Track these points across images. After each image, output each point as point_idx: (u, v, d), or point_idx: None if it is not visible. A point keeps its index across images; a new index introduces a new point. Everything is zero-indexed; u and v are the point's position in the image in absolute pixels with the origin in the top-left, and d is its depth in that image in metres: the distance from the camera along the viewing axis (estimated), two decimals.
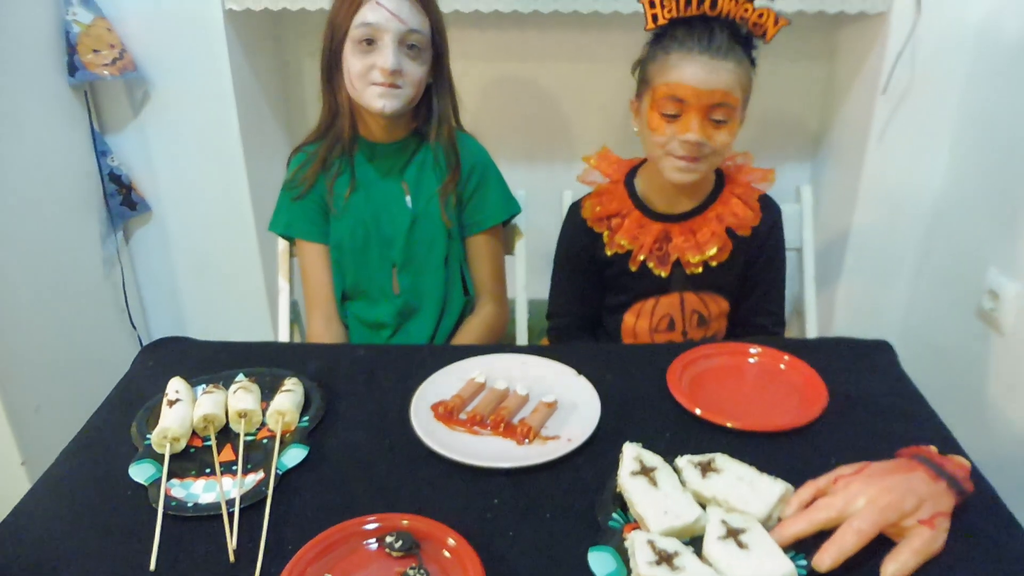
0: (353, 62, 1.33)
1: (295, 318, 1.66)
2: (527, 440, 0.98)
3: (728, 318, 1.43)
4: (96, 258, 1.99)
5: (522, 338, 1.61)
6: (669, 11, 1.23)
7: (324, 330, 1.51)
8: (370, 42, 1.31)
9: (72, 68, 1.79)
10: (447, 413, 1.02)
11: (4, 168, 1.64)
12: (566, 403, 1.05)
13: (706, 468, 0.89)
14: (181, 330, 2.20)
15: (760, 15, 1.22)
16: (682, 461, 0.91)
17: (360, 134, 1.45)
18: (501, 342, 1.57)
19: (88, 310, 1.96)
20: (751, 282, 1.40)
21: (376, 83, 1.32)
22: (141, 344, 2.14)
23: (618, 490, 0.89)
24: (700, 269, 1.36)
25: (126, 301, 2.11)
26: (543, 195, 1.65)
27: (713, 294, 1.40)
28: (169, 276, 2.17)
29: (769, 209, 1.38)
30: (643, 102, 1.31)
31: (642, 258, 1.37)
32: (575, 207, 1.45)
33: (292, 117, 2.22)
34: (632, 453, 0.91)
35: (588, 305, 1.48)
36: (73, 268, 1.90)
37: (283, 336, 1.61)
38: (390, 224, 1.47)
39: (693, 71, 1.21)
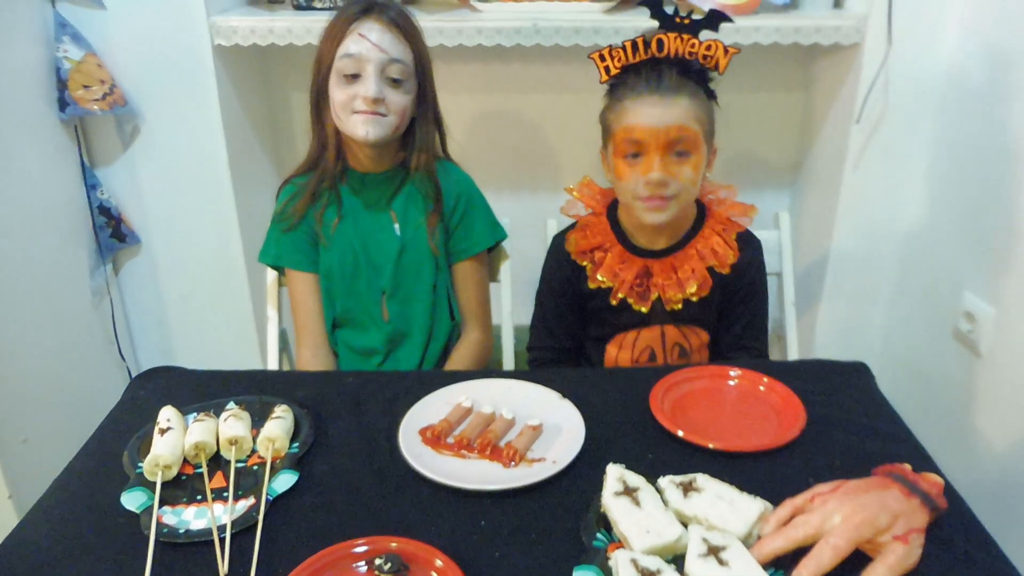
0: (337, 93, 1.37)
1: (283, 347, 1.68)
2: (513, 463, 1.00)
3: (710, 348, 1.46)
4: (85, 290, 2.00)
5: (508, 363, 1.63)
6: (619, 60, 1.28)
7: (313, 359, 1.52)
8: (354, 76, 1.35)
9: (63, 104, 1.81)
10: (435, 437, 1.04)
11: None
12: (551, 426, 1.07)
13: (687, 488, 0.92)
14: (170, 361, 2.19)
15: (708, 47, 1.26)
16: (664, 481, 0.93)
17: (350, 165, 1.48)
18: (488, 367, 1.59)
19: (77, 341, 1.97)
20: (732, 316, 1.43)
21: (359, 111, 1.36)
22: (130, 375, 2.14)
23: (602, 510, 0.91)
24: (680, 306, 1.38)
25: (115, 332, 2.11)
26: (528, 223, 1.68)
27: (693, 327, 1.43)
28: (158, 307, 2.17)
29: (749, 245, 1.41)
30: (608, 150, 1.35)
31: (622, 295, 1.39)
32: (559, 239, 1.48)
33: (280, 150, 2.25)
34: (615, 474, 0.93)
35: (568, 337, 1.50)
36: (62, 299, 1.91)
37: (272, 365, 1.63)
38: (379, 252, 1.50)
39: (646, 112, 1.25)
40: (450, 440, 1.05)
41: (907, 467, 0.90)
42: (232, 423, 1.05)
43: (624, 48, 1.27)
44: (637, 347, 1.43)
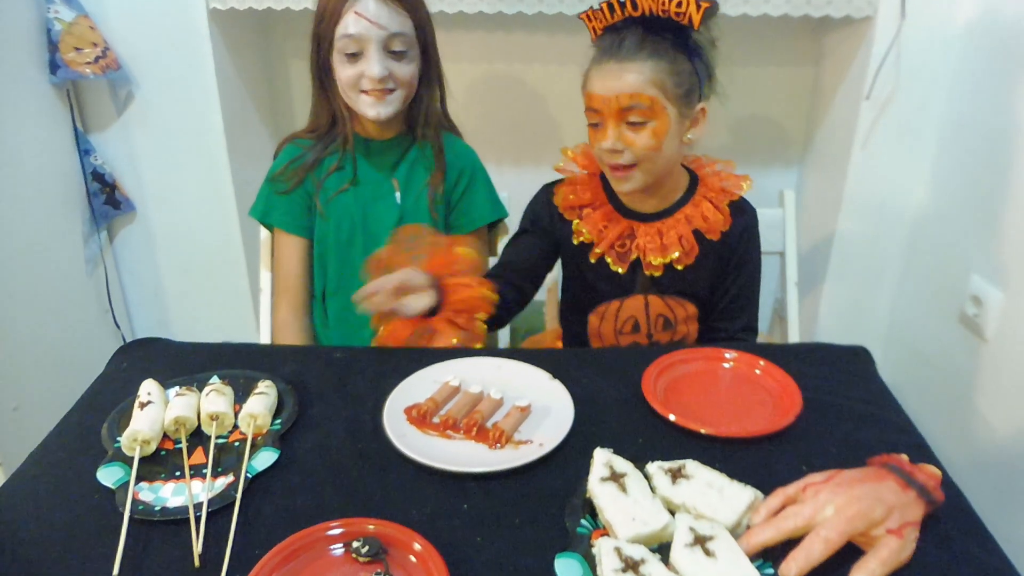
0: (341, 71, 1.36)
1: None
2: (499, 445, 0.97)
3: (700, 322, 1.42)
4: (79, 258, 1.98)
5: (504, 340, 1.60)
6: (601, 21, 1.26)
7: (291, 319, 1.51)
8: (355, 54, 1.33)
9: (54, 66, 1.78)
10: (420, 417, 1.02)
11: None
12: (539, 407, 1.04)
13: (676, 474, 0.89)
14: (165, 329, 2.21)
15: (679, 3, 1.19)
16: (652, 467, 0.91)
17: (354, 130, 1.46)
18: (483, 345, 1.56)
19: (71, 310, 1.95)
20: (722, 288, 1.39)
21: (366, 91, 1.35)
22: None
23: (588, 496, 0.88)
24: (660, 272, 1.34)
25: (110, 301, 2.10)
26: (527, 197, 1.64)
27: (679, 298, 1.39)
28: (153, 275, 2.16)
29: (742, 213, 1.37)
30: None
31: (601, 251, 1.35)
32: (548, 190, 1.43)
33: (277, 116, 2.22)
34: (603, 459, 0.91)
35: (527, 270, 1.42)
36: (56, 268, 1.89)
37: (264, 331, 1.60)
38: (377, 221, 1.47)
39: (600, 79, 1.23)
40: (436, 420, 1.02)
41: (904, 458, 0.87)
42: (214, 398, 1.02)
43: (602, 9, 1.23)
44: (620, 317, 1.40)
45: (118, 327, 2.13)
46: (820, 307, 2.04)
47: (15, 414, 1.72)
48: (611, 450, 0.92)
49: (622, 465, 0.90)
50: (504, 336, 1.61)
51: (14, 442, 1.70)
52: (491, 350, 1.23)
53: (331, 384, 1.12)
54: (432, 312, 1.19)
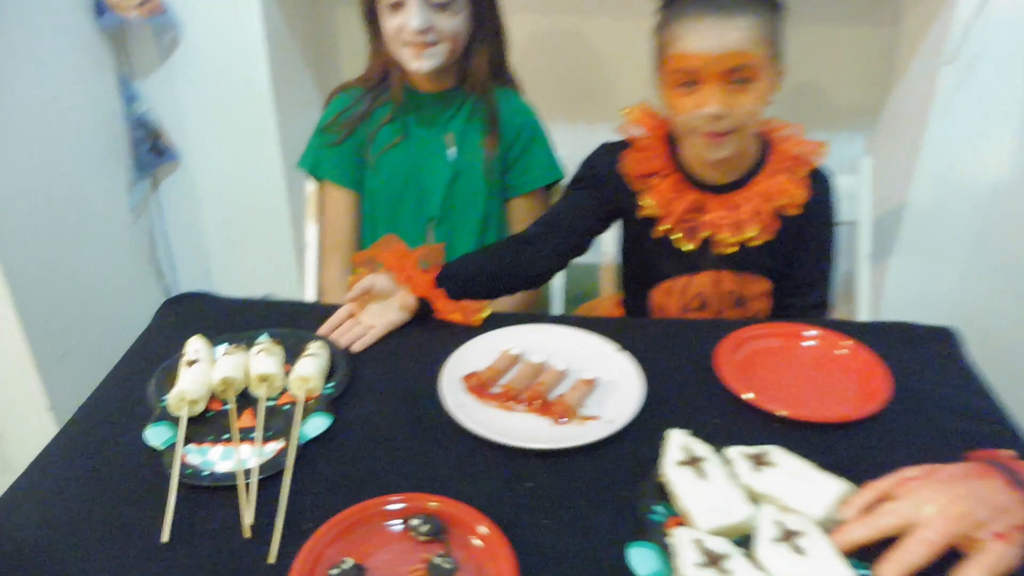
0: (384, 22, 1.31)
1: None
2: (564, 419, 0.92)
3: (772, 297, 1.34)
4: (123, 207, 1.95)
5: (557, 306, 1.54)
6: None
7: (340, 279, 1.46)
8: (397, 4, 1.28)
9: (99, 9, 1.72)
10: (479, 386, 0.96)
11: (29, 113, 1.58)
12: (605, 381, 0.98)
13: (759, 461, 0.83)
14: (208, 280, 2.18)
15: None
16: (732, 452, 0.84)
17: (405, 80, 1.39)
18: (534, 310, 1.51)
19: (115, 258, 1.92)
20: (797, 261, 1.30)
21: (408, 43, 1.29)
22: (169, 294, 2.11)
23: (660, 479, 0.82)
24: (735, 248, 1.26)
25: (154, 251, 2.07)
26: (580, 156, 1.57)
27: (753, 274, 1.30)
28: (197, 226, 2.12)
29: (820, 183, 1.28)
30: (661, 78, 1.21)
31: (666, 228, 1.27)
32: (613, 152, 1.31)
33: (324, 64, 2.15)
34: (678, 441, 0.85)
35: (576, 231, 1.31)
36: (100, 217, 1.86)
37: (309, 287, 1.56)
38: (430, 176, 1.42)
39: (698, 36, 1.10)
40: (496, 389, 0.97)
41: (1010, 454, 0.80)
42: (263, 358, 0.98)
43: None
44: (687, 294, 1.32)
45: (162, 277, 2.10)
46: (887, 282, 1.94)
47: (63, 360, 1.70)
48: (688, 432, 0.86)
49: (700, 448, 0.84)
50: (557, 301, 1.54)
51: (62, 388, 1.68)
52: (553, 317, 1.17)
53: (385, 348, 1.07)
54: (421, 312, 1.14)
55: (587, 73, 2.07)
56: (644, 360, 1.02)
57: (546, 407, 0.93)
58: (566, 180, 1.50)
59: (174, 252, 2.16)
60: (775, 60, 1.15)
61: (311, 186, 1.53)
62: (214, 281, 2.19)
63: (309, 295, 1.55)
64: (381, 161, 1.42)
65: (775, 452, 0.84)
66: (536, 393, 0.94)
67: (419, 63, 1.30)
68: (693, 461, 0.82)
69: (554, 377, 0.98)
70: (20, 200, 1.55)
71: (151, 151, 1.96)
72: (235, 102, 1.91)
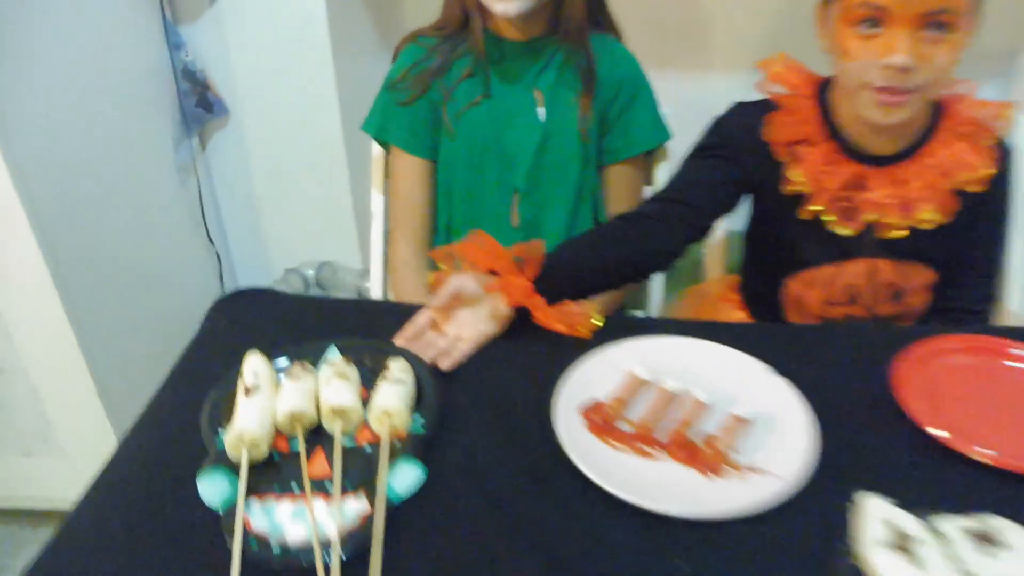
0: None
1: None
2: (716, 472, 0.72)
3: (934, 290, 1.11)
4: (170, 165, 1.79)
5: (656, 294, 1.34)
6: None
7: (413, 260, 1.28)
8: None
9: None
10: (605, 423, 0.77)
11: (69, 62, 1.42)
12: (761, 415, 0.78)
13: (984, 538, 0.63)
14: (261, 248, 2.03)
15: None
16: (946, 525, 0.65)
17: (486, 26, 1.18)
18: (627, 296, 1.30)
19: (161, 225, 1.76)
20: (968, 247, 1.08)
21: None
22: (219, 261, 1.96)
23: (853, 561, 0.63)
24: (904, 234, 1.04)
25: (203, 213, 1.91)
26: (689, 112, 1.33)
27: (917, 263, 1.07)
28: (248, 187, 1.96)
29: (1005, 154, 1.05)
30: (830, 11, 0.97)
31: (817, 209, 1.05)
32: (754, 114, 1.08)
33: (385, 10, 1.93)
34: (879, 512, 0.65)
35: (706, 207, 1.09)
36: (143, 178, 1.69)
37: (375, 266, 1.38)
38: (516, 140, 1.22)
39: None
40: (624, 425, 0.78)
41: None
42: (337, 386, 0.80)
43: None
44: (835, 286, 1.10)
45: (211, 242, 1.94)
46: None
47: (107, 340, 1.56)
48: (893, 501, 0.66)
49: (909, 524, 0.64)
50: (657, 288, 1.33)
51: (110, 369, 1.52)
52: (677, 323, 0.97)
53: (477, 365, 0.88)
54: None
55: (677, 10, 1.81)
56: (801, 381, 0.81)
57: (693, 454, 0.74)
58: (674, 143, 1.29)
59: (224, 216, 2.01)
60: (978, 9, 0.91)
61: (376, 149, 1.34)
62: (267, 249, 2.04)
63: (375, 275, 1.37)
64: (459, 123, 1.22)
65: (1004, 528, 0.64)
66: (680, 436, 0.75)
67: (505, 5, 1.09)
68: (903, 543, 0.62)
69: (696, 411, 0.78)
70: (56, 159, 1.40)
71: (198, 105, 1.79)
72: (289, 49, 1.74)
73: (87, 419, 1.52)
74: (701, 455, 0.73)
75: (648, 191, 1.31)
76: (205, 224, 1.92)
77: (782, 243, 1.11)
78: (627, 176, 1.26)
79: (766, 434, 0.76)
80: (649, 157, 1.30)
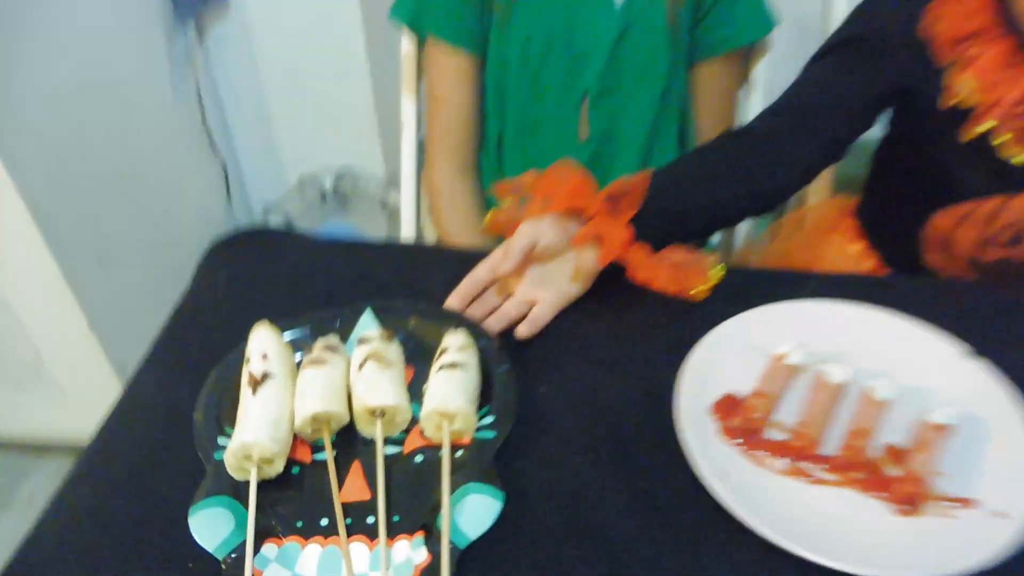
0: None
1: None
2: (912, 506, 0.52)
3: None
4: (163, 60, 1.56)
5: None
6: None
7: (457, 180, 1.09)
8: None
9: None
10: (748, 432, 0.56)
11: None
12: (964, 417, 0.57)
13: None
14: (272, 156, 1.86)
15: None
16: None
17: None
18: None
19: (155, 130, 1.56)
20: None
21: None
22: (226, 173, 1.75)
23: None
24: None
25: (203, 117, 1.68)
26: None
27: None
28: (254, 86, 1.76)
29: None
30: None
31: (987, 127, 0.80)
32: (902, 1, 0.84)
33: None
34: None
35: (845, 116, 0.87)
36: (133, 75, 1.47)
37: (408, 183, 1.16)
38: (587, 32, 0.99)
39: None
40: (774, 433, 0.57)
41: None
42: (374, 373, 0.58)
43: None
44: (996, 223, 0.87)
45: (215, 153, 1.72)
46: None
47: (99, 268, 1.37)
48: None
49: None
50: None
51: (101, 301, 1.36)
52: (837, 279, 0.74)
53: (555, 337, 0.67)
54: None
55: None
56: (1008, 366, 0.60)
57: (877, 479, 0.53)
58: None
59: (229, 121, 1.80)
60: None
61: (408, 43, 1.10)
62: (280, 157, 1.89)
63: (407, 199, 1.16)
64: (515, 9, 0.98)
65: None
66: (855, 452, 0.54)
67: None
68: None
69: (874, 414, 0.57)
70: (29, 52, 1.18)
71: None
72: None
73: (79, 352, 1.38)
74: (892, 483, 0.52)
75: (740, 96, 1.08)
76: (207, 129, 1.71)
77: (931, 169, 0.88)
78: (724, 75, 1.04)
79: (974, 447, 0.55)
80: (747, 54, 1.06)
